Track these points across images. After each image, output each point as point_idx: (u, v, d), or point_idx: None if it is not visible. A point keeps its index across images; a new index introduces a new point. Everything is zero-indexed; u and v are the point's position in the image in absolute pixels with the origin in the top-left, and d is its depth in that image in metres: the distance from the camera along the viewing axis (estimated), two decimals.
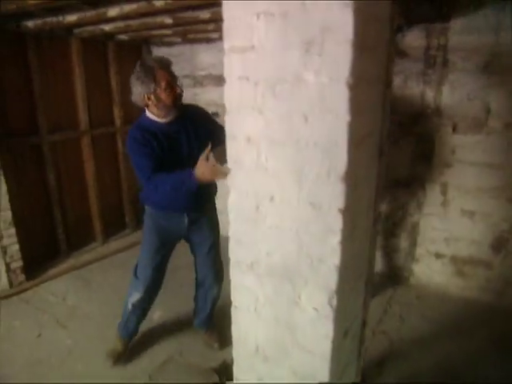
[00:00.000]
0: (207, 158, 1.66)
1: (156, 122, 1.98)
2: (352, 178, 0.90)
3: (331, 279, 0.96)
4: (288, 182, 0.95)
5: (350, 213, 0.92)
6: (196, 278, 2.46)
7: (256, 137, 0.94)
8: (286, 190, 0.97)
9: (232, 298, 1.13)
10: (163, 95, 1.89)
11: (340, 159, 0.87)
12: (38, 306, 2.99)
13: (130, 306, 2.31)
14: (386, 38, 1.02)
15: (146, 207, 2.21)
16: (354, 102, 0.84)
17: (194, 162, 1.80)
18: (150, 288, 2.26)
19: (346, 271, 0.97)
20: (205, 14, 2.53)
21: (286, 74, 0.87)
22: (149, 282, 2.24)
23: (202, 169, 1.71)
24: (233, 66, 0.91)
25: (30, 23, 2.85)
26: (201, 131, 2.06)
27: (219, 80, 3.77)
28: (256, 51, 0.87)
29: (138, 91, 1.89)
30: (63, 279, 3.39)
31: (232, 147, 0.99)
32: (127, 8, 2.35)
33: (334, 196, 0.89)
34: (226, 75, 0.93)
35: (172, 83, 1.91)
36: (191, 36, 3.58)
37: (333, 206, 0.90)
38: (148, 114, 1.99)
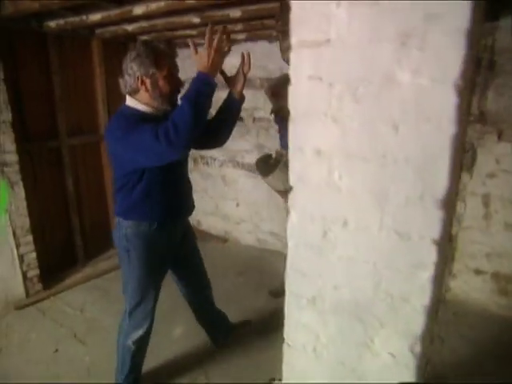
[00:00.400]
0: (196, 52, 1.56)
1: (141, 112, 1.66)
2: (450, 203, 0.73)
3: (415, 322, 0.79)
4: (367, 205, 0.79)
5: (444, 243, 0.75)
6: (190, 296, 2.32)
7: (328, 149, 0.78)
8: (364, 215, 0.80)
9: (285, 335, 0.96)
10: (161, 82, 1.63)
11: (438, 180, 0.70)
12: (54, 318, 2.86)
13: (132, 347, 1.97)
14: None
15: (128, 225, 1.79)
16: (461, 109, 0.67)
17: (182, 164, 1.73)
18: (153, 317, 2.00)
19: (433, 312, 0.80)
20: (235, 13, 2.38)
21: (372, 73, 0.70)
22: (152, 313, 1.97)
23: (200, 59, 1.56)
24: (302, 63, 0.75)
25: (52, 23, 2.73)
26: None
27: (247, 82, 3.60)
28: (333, 46, 0.71)
29: (133, 71, 1.59)
30: (81, 289, 3.25)
31: (296, 161, 0.82)
32: (154, 6, 2.20)
33: (427, 224, 0.73)
34: (291, 75, 0.77)
35: (174, 72, 1.70)
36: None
37: (426, 235, 0.73)
38: (132, 102, 1.67)
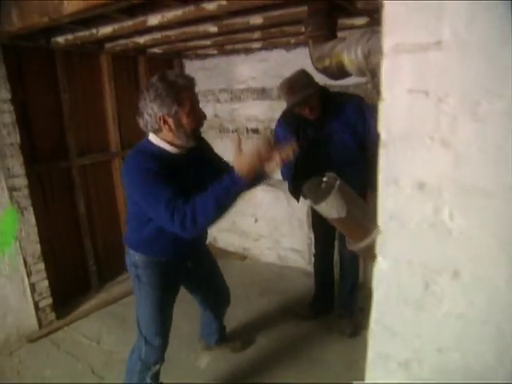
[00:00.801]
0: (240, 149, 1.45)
1: (166, 152, 1.57)
2: None
3: None
4: (488, 252, 0.61)
5: None
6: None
7: (435, 181, 0.61)
8: (484, 264, 0.62)
9: None
10: (185, 120, 1.51)
11: None
12: (70, 351, 2.67)
13: (150, 382, 1.91)
14: None
15: (138, 257, 1.74)
16: None
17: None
18: (167, 346, 1.93)
19: None
20: (256, 19, 2.21)
21: (502, 84, 0.53)
22: (166, 343, 1.91)
23: (241, 161, 1.44)
24: (399, 73, 0.58)
25: (61, 38, 2.59)
26: (209, 169, 1.75)
27: (260, 93, 3.45)
28: (446, 49, 0.54)
29: (153, 112, 1.49)
30: (96, 317, 3.07)
31: (389, 196, 0.65)
32: (170, 15, 2.05)
33: None
34: (384, 87, 0.60)
35: (196, 106, 1.56)
36: (229, 47, 3.29)
37: None
38: (155, 140, 1.58)
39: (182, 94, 1.48)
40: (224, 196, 1.42)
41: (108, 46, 2.92)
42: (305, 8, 1.99)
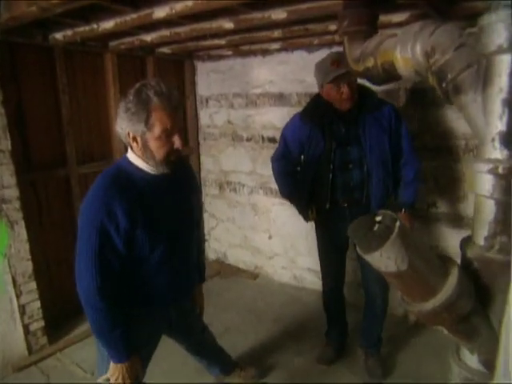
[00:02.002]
0: None
1: (142, 172, 1.39)
2: None
3: None
4: None
5: None
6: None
7: None
8: None
9: None
10: (153, 144, 1.31)
11: None
12: (60, 382, 2.38)
13: None
14: None
15: None
16: None
17: (180, 237, 1.50)
18: None
19: None
20: (279, 14, 1.92)
21: None
22: None
23: None
24: None
25: (59, 35, 2.32)
26: (190, 202, 1.61)
27: (278, 99, 3.15)
28: None
29: (123, 126, 1.32)
30: (91, 342, 2.76)
31: None
32: (179, 6, 1.75)
33: None
34: None
35: (171, 132, 1.30)
36: (245, 48, 3.00)
37: None
38: (132, 157, 1.39)
39: (154, 116, 1.27)
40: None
41: (112, 44, 2.65)
42: (337, 0, 1.68)
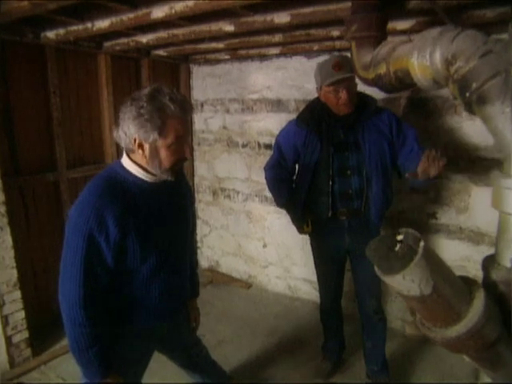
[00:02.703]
0: None
1: (138, 180, 1.31)
2: None
3: None
4: None
5: None
6: None
7: None
8: None
9: None
10: (163, 153, 1.25)
11: None
12: None
13: None
14: None
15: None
16: None
17: (174, 248, 1.43)
18: None
19: None
20: (282, 18, 1.85)
21: None
22: None
23: None
24: None
25: (51, 33, 2.23)
26: (185, 211, 1.54)
27: (276, 105, 3.09)
28: None
29: (129, 131, 1.22)
30: None
31: None
32: (179, 6, 1.68)
33: None
34: None
35: (182, 141, 1.26)
36: (242, 52, 2.94)
37: None
38: (127, 163, 1.31)
39: (169, 124, 1.22)
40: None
41: (107, 44, 2.56)
42: (345, 4, 1.63)
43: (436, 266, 0.79)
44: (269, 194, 3.28)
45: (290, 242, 3.25)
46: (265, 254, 3.46)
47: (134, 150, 1.27)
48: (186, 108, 1.25)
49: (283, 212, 3.03)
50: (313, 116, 2.01)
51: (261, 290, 3.51)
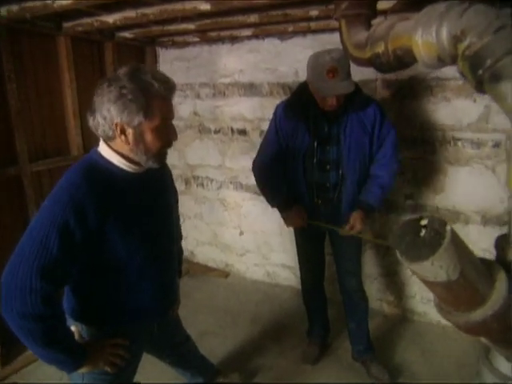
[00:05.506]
0: None
1: (118, 170, 1.21)
2: None
3: None
4: None
5: None
6: None
7: None
8: None
9: None
10: (149, 137, 1.15)
11: None
12: None
13: None
14: None
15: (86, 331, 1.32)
16: None
17: (161, 241, 1.36)
18: None
19: None
20: None
21: None
22: None
23: None
24: None
25: (3, 9, 2.01)
26: (169, 201, 1.48)
27: (249, 89, 3.00)
28: None
29: (110, 115, 1.12)
30: None
31: None
32: None
33: None
34: None
35: (169, 122, 1.20)
36: (213, 34, 2.82)
37: None
38: (106, 152, 1.21)
39: (155, 104, 1.12)
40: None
41: (67, 25, 2.36)
42: None
43: (462, 250, 0.77)
44: (244, 181, 3.24)
45: (267, 228, 3.21)
46: (242, 241, 3.41)
47: (114, 137, 1.17)
48: (170, 87, 1.17)
49: (259, 199, 2.99)
50: (300, 104, 1.96)
51: (239, 278, 3.47)
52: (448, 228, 0.74)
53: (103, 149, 1.21)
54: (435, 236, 0.75)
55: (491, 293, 0.80)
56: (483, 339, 0.90)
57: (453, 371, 2.25)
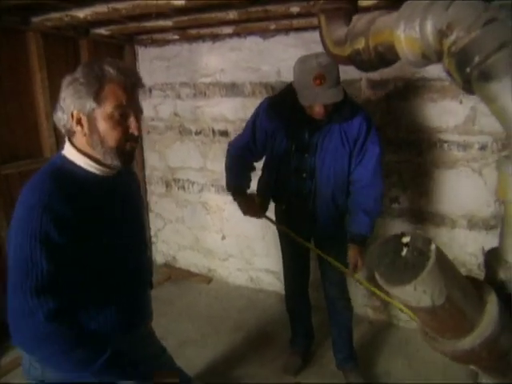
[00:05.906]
0: None
1: (85, 173, 1.11)
2: None
3: None
4: None
5: None
6: None
7: None
8: None
9: None
10: (102, 125, 1.05)
11: None
12: None
13: None
14: None
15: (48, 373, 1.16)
16: None
17: (133, 248, 1.26)
18: None
19: None
20: None
21: None
22: None
23: None
24: None
25: None
26: (139, 209, 1.39)
27: (230, 89, 2.90)
28: None
29: (65, 104, 1.06)
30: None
31: None
32: None
33: None
34: None
35: (126, 111, 1.07)
36: (193, 32, 2.71)
37: None
38: (70, 153, 1.11)
39: (107, 89, 1.05)
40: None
41: (35, 20, 2.23)
42: None
43: (448, 271, 0.68)
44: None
45: (250, 232, 3.12)
46: (224, 246, 3.31)
47: (73, 130, 1.09)
48: (128, 74, 1.08)
49: None
50: (285, 106, 1.86)
51: (222, 283, 3.36)
52: (433, 247, 0.65)
53: (68, 151, 1.13)
54: (418, 256, 0.66)
55: (481, 318, 0.71)
56: (473, 367, 0.81)
57: (438, 378, 2.20)
